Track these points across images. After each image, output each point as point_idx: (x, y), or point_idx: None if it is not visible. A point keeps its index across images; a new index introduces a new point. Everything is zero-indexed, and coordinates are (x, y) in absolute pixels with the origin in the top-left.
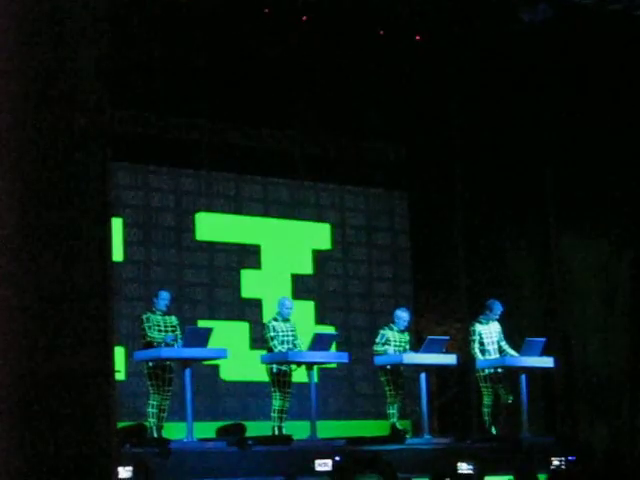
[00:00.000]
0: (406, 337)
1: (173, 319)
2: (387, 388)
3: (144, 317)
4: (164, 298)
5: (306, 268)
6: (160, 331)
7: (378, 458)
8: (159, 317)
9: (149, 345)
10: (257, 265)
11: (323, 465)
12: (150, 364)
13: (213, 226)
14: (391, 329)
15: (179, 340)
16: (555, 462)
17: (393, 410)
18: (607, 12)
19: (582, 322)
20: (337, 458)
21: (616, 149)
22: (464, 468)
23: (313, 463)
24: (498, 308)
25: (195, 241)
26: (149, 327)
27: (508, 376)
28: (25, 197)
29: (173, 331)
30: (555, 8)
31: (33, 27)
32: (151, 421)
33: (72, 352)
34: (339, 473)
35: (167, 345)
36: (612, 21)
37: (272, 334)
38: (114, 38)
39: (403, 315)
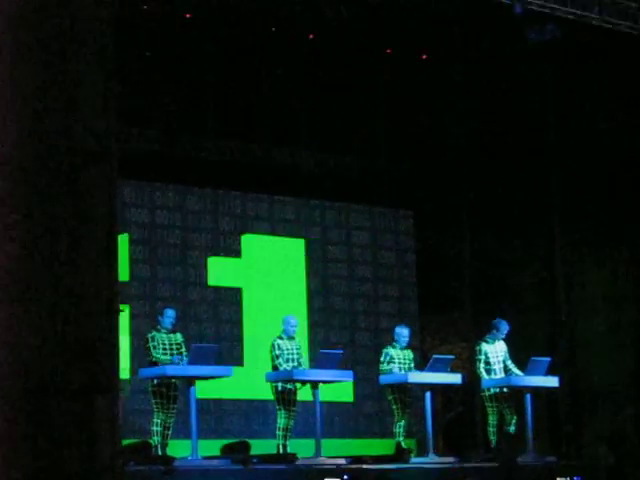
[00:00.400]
0: (410, 354)
1: (178, 336)
2: (394, 406)
3: (149, 336)
4: (169, 316)
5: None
6: (165, 349)
7: (384, 477)
8: (164, 335)
9: (154, 364)
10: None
11: None
12: (155, 382)
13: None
14: (394, 347)
15: (185, 358)
16: None
17: (399, 429)
18: (614, 32)
19: (587, 341)
20: (345, 477)
21: (622, 163)
22: None
23: None
24: (505, 327)
25: (201, 260)
26: (154, 347)
27: (513, 395)
28: (29, 220)
29: (178, 349)
30: (562, 28)
31: (39, 45)
32: (155, 439)
33: (76, 368)
34: None
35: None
36: (619, 41)
37: (277, 352)
38: (120, 55)
39: (403, 332)
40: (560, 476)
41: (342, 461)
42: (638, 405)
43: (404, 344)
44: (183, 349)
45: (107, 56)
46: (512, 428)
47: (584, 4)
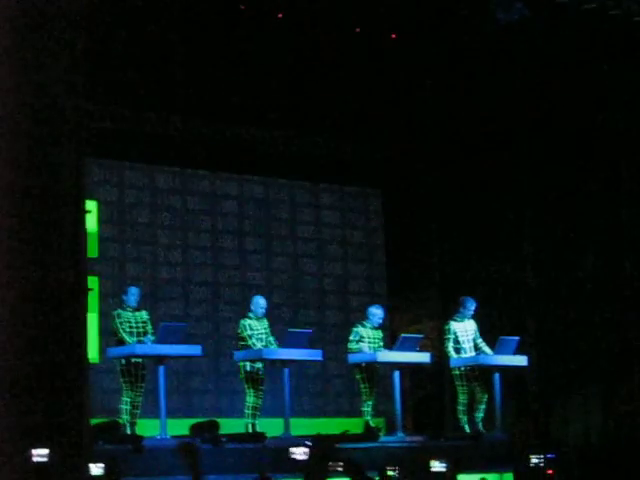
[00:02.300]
0: (379, 334)
1: (144, 314)
2: (362, 385)
3: (115, 314)
4: (133, 293)
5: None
6: (131, 327)
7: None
8: (129, 313)
9: (122, 342)
10: None
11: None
12: (123, 361)
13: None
14: (364, 326)
15: (149, 335)
16: (534, 460)
17: (367, 408)
18: (582, 11)
19: (554, 318)
20: (308, 443)
21: (593, 141)
22: (437, 466)
23: (287, 460)
24: (471, 304)
25: (170, 238)
26: (120, 323)
27: (482, 374)
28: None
29: (144, 327)
30: (531, 7)
31: (10, 24)
32: (124, 418)
33: (48, 345)
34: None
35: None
36: (587, 20)
37: (249, 332)
38: (90, 34)
39: (377, 312)
40: (533, 454)
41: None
42: (606, 381)
43: (376, 324)
44: (149, 327)
45: (76, 35)
46: (482, 406)
47: None
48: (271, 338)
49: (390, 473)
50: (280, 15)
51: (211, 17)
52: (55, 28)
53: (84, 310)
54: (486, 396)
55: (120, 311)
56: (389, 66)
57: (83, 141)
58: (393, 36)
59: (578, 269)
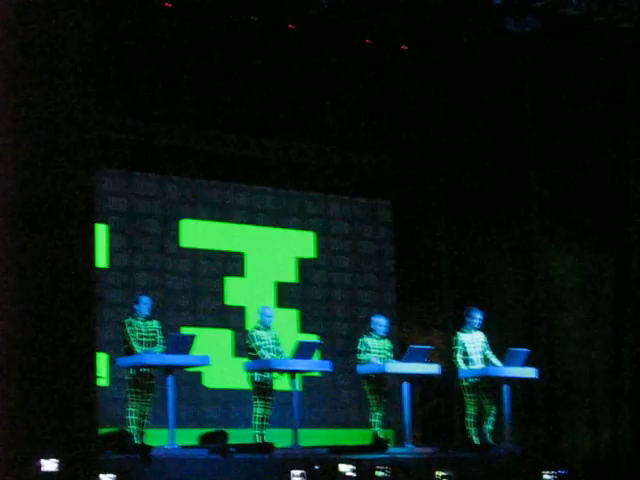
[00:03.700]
0: (387, 344)
1: (155, 324)
2: (370, 397)
3: (126, 322)
4: (145, 303)
5: (290, 276)
6: (142, 336)
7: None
8: (140, 322)
9: (131, 352)
10: (241, 273)
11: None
12: (132, 371)
13: (197, 233)
14: (370, 336)
15: (159, 345)
16: (546, 476)
17: (376, 419)
18: (592, 24)
19: (565, 332)
20: (316, 467)
21: (598, 159)
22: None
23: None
24: (476, 315)
25: (179, 248)
26: (132, 331)
27: (491, 386)
28: (10, 208)
29: (154, 336)
30: (541, 19)
31: (22, 35)
32: (132, 428)
33: (58, 356)
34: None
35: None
36: (597, 33)
37: (258, 343)
38: (101, 45)
39: (380, 321)
40: (545, 469)
41: (320, 451)
42: (614, 395)
43: (382, 333)
44: (159, 336)
45: (86, 47)
46: (491, 419)
47: None
48: (281, 348)
49: (379, 474)
50: (292, 26)
51: (223, 28)
52: (66, 39)
53: (94, 321)
54: (494, 408)
55: (131, 319)
56: (400, 76)
57: (93, 151)
58: (404, 47)
59: (593, 282)
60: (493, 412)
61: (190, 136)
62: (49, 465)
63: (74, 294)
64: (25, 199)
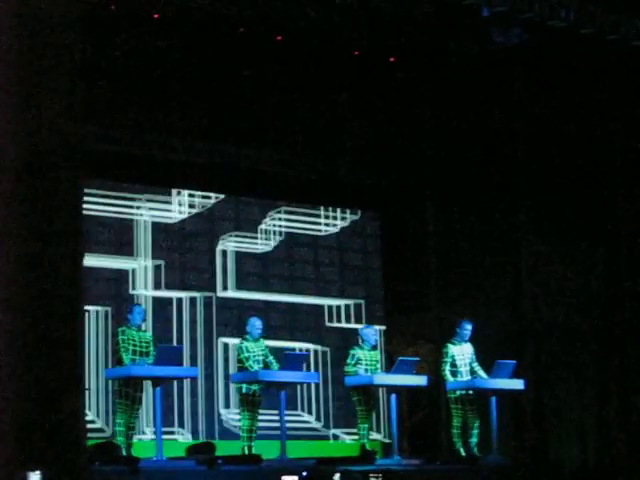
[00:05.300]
0: (377, 355)
1: (147, 335)
2: (359, 408)
3: (119, 331)
4: (139, 312)
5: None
6: (135, 346)
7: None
8: (134, 332)
9: (120, 363)
10: None
11: None
12: (120, 382)
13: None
14: (361, 348)
15: (151, 355)
16: None
17: (364, 431)
18: (580, 36)
19: (552, 344)
20: (304, 474)
21: (588, 159)
22: None
23: None
24: (466, 327)
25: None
26: (123, 341)
27: (478, 398)
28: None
29: (147, 347)
30: (529, 32)
31: (8, 41)
32: (119, 439)
33: (44, 366)
34: None
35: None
36: (585, 45)
37: (246, 355)
38: (91, 56)
39: (370, 332)
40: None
41: (307, 462)
42: (601, 403)
43: (373, 343)
44: (151, 347)
45: (74, 57)
46: (475, 431)
47: (551, 7)
48: (271, 358)
49: None
50: (279, 38)
51: (211, 40)
52: (53, 48)
53: (81, 330)
54: (478, 421)
55: (125, 329)
56: (387, 89)
57: (80, 162)
58: (392, 59)
59: (578, 295)
60: (476, 425)
61: (178, 147)
62: (34, 478)
63: (61, 305)
64: (11, 209)
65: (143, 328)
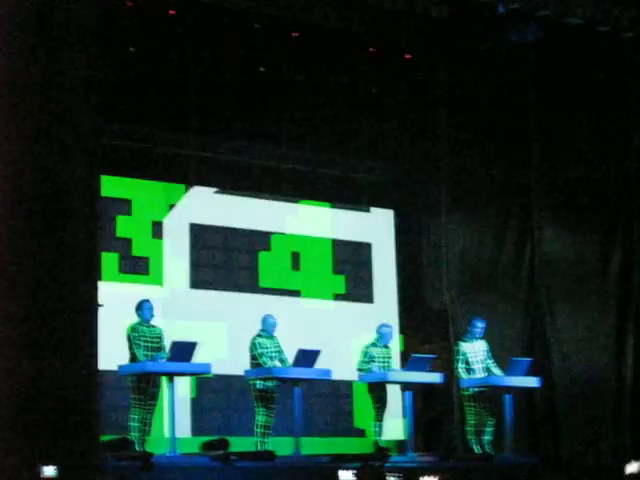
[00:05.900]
0: (389, 352)
1: (158, 330)
2: (372, 405)
3: (130, 327)
4: (148, 308)
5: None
6: (146, 341)
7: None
8: (145, 328)
9: (134, 359)
10: None
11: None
12: (135, 377)
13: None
14: (375, 346)
15: (163, 351)
16: None
17: (378, 428)
18: (595, 33)
19: (566, 342)
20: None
21: (599, 156)
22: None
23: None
24: (478, 325)
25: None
26: (135, 337)
27: (492, 396)
28: (14, 210)
29: (158, 342)
30: (544, 29)
31: (23, 41)
32: (133, 435)
33: (58, 361)
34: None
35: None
36: (600, 42)
37: (260, 350)
38: (103, 52)
39: (387, 330)
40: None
41: (322, 459)
42: (617, 402)
43: (388, 342)
44: (163, 342)
45: (89, 54)
46: (489, 429)
47: (566, 5)
48: (284, 356)
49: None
50: (295, 34)
51: (227, 36)
52: (69, 46)
53: (96, 327)
54: (492, 419)
55: (136, 325)
56: (403, 85)
57: (96, 158)
58: (407, 56)
59: (594, 296)
60: (491, 423)
61: (192, 143)
62: (49, 471)
63: (76, 301)
64: (27, 205)
65: (152, 323)
